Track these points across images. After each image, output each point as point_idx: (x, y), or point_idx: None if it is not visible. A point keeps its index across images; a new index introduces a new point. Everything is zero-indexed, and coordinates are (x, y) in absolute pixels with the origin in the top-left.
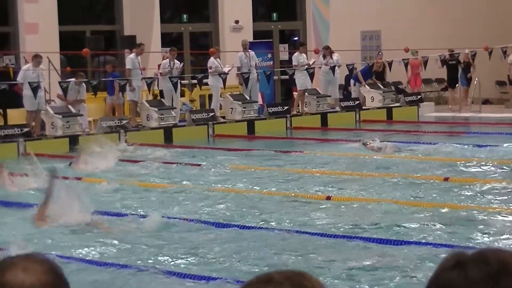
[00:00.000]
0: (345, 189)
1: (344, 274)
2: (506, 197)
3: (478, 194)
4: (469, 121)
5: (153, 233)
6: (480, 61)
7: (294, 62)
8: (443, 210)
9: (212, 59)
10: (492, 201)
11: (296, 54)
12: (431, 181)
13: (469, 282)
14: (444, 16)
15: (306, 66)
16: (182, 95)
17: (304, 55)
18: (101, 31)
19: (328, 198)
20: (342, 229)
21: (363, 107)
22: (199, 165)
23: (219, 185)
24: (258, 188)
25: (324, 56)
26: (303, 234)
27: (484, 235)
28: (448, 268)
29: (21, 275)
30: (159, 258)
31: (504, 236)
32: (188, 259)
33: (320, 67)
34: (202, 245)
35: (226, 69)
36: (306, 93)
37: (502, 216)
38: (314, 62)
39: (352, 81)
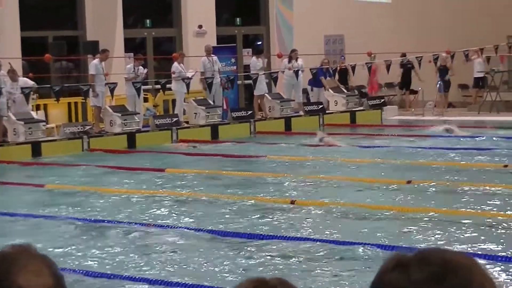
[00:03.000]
0: (310, 193)
1: (309, 277)
2: (468, 199)
3: (440, 196)
4: (432, 124)
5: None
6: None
7: (255, 67)
8: (405, 213)
9: (175, 64)
10: (455, 203)
11: (253, 58)
12: (393, 184)
13: (411, 283)
14: (406, 21)
15: (263, 71)
16: (146, 100)
17: (261, 60)
18: (63, 36)
19: (292, 202)
20: (306, 233)
21: (327, 111)
22: (163, 170)
23: (181, 190)
24: (221, 192)
25: (290, 60)
26: (266, 239)
27: (444, 237)
28: (389, 269)
29: (34, 279)
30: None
31: (464, 237)
32: (150, 265)
33: (283, 71)
34: (163, 250)
35: (189, 74)
36: (269, 97)
37: (466, 218)
38: (261, 68)
39: (309, 87)
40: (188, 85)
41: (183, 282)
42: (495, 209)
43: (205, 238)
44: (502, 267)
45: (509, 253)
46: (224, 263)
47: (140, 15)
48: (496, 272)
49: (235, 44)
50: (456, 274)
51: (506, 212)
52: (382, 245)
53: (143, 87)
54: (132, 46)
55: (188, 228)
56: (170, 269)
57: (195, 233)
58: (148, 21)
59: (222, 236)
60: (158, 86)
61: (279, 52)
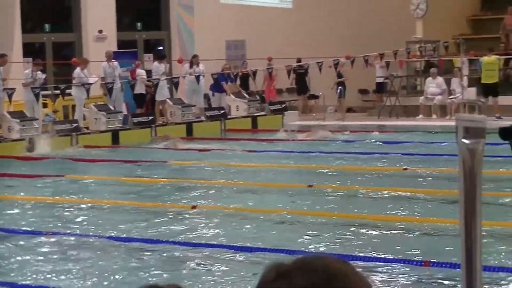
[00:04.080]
0: (211, 198)
1: (208, 283)
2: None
3: (341, 200)
4: (334, 129)
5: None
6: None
7: (158, 72)
8: (305, 217)
9: (77, 70)
10: (355, 207)
11: (156, 63)
12: (294, 188)
13: None
14: (307, 26)
15: (165, 77)
16: (45, 106)
17: (163, 65)
18: None
19: (194, 207)
20: (206, 238)
21: (228, 116)
22: (62, 176)
23: (81, 196)
24: (122, 198)
25: (191, 65)
26: (166, 244)
27: (343, 241)
28: (270, 280)
29: None
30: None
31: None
32: (50, 273)
33: (185, 77)
34: (62, 258)
35: (92, 80)
36: (171, 103)
37: (365, 222)
38: (163, 73)
39: (211, 92)
40: (88, 91)
41: None
42: (393, 212)
43: (104, 244)
44: (399, 270)
45: (407, 255)
46: (122, 269)
47: (39, 20)
48: (393, 275)
49: (136, 49)
50: (337, 281)
51: (404, 216)
52: (282, 249)
53: (42, 92)
54: (31, 51)
55: (87, 235)
56: (69, 276)
57: (95, 239)
58: (47, 25)
59: (122, 242)
60: (58, 92)
61: (179, 57)
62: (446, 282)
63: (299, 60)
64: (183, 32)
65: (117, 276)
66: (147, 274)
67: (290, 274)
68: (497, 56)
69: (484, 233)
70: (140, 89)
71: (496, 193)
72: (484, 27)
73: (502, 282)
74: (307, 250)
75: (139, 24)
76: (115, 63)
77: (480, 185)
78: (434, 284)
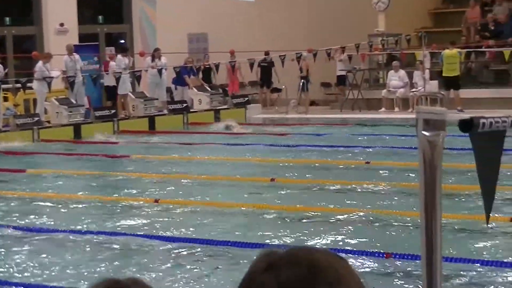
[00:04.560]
0: (174, 192)
1: (170, 277)
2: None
3: (305, 194)
4: (296, 122)
5: None
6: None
7: (121, 66)
8: (270, 211)
9: (39, 64)
10: (320, 200)
11: (119, 57)
12: (257, 182)
13: (281, 285)
14: (268, 19)
15: (128, 70)
16: (6, 99)
17: (127, 58)
18: None
19: (156, 201)
20: (169, 232)
21: (191, 110)
22: (23, 170)
23: (43, 191)
24: (84, 192)
25: (153, 58)
26: (128, 237)
27: (308, 235)
28: (260, 270)
29: None
30: None
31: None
32: (10, 268)
33: (147, 70)
34: (21, 253)
35: (54, 74)
36: (133, 96)
37: (330, 215)
38: (126, 67)
39: (173, 85)
40: (49, 85)
41: (39, 283)
42: (354, 203)
43: (66, 238)
44: (361, 262)
45: (370, 247)
46: (83, 263)
47: None
48: (355, 267)
49: (97, 43)
50: (325, 274)
51: (367, 208)
52: (245, 243)
53: (3, 86)
54: None
55: (48, 229)
56: (31, 271)
57: (56, 233)
58: (7, 19)
59: (83, 235)
60: (19, 85)
61: (141, 51)
62: (407, 273)
63: (267, 53)
64: (145, 25)
65: (78, 270)
66: (108, 268)
67: (278, 267)
68: (458, 50)
69: (444, 225)
70: (112, 81)
71: (457, 186)
72: (446, 20)
73: (462, 273)
74: (270, 243)
75: (100, 17)
76: (77, 56)
77: (440, 177)
78: (395, 275)
